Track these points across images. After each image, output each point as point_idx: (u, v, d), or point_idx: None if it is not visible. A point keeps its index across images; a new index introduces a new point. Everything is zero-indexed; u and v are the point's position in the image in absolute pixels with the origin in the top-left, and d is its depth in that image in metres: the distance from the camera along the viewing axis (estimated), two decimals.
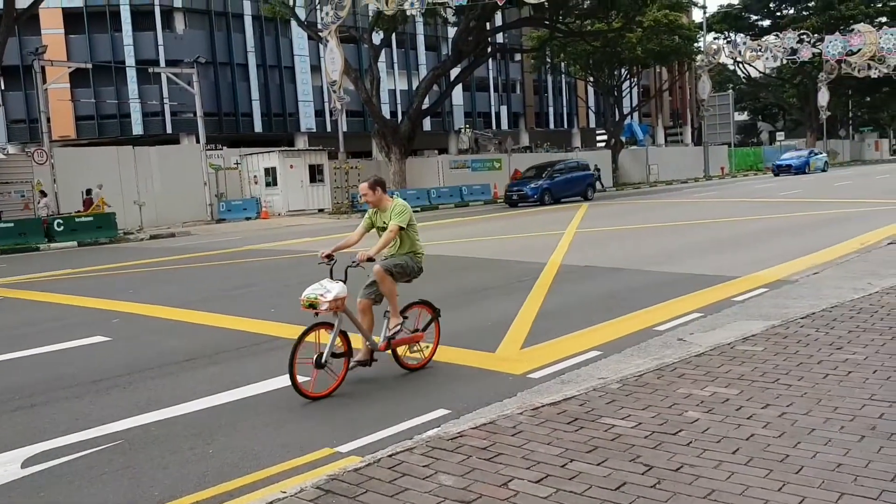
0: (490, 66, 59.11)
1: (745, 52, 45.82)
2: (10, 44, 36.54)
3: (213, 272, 14.72)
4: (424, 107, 36.72)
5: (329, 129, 45.54)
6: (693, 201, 27.34)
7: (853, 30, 42.22)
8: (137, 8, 41.67)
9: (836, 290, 8.95)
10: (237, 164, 31.72)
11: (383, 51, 51.56)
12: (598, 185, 35.07)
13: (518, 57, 57.64)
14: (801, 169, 44.23)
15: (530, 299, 9.49)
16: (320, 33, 29.75)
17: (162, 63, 39.13)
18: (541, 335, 7.57)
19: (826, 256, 11.98)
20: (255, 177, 31.18)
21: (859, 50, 40.72)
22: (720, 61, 49.91)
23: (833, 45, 40.74)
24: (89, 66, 30.61)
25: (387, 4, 26.81)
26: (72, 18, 41.13)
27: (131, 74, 41.15)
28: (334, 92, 29.06)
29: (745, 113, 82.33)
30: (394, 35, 51.19)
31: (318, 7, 30.29)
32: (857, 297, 8.03)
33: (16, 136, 40.34)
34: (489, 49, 39.18)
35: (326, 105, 40.21)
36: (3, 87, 38.53)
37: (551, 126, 63.85)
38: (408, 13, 27.10)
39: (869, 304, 7.60)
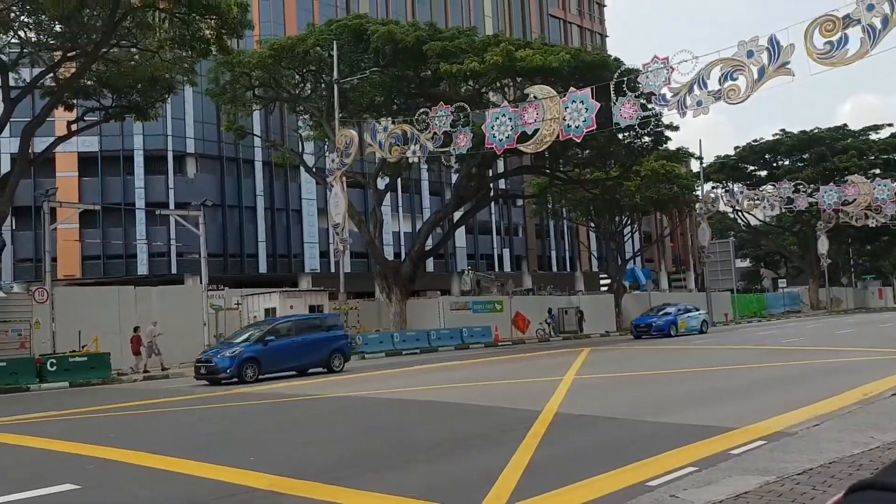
0: (492, 210, 60.47)
1: (743, 200, 46.88)
2: (24, 185, 37.84)
3: (197, 416, 14.35)
4: (427, 249, 37.34)
5: (333, 269, 45.98)
6: (694, 348, 27.04)
7: (847, 181, 43.39)
8: (150, 153, 43.26)
9: (837, 443, 8.58)
10: (238, 304, 31.78)
11: (388, 194, 53.17)
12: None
13: (520, 201, 59.15)
14: (665, 330, 34.21)
15: (520, 450, 9.11)
16: (326, 179, 30.62)
17: (171, 206, 40.12)
18: (528, 490, 7.19)
19: (827, 407, 11.62)
20: (254, 317, 31.12)
21: (854, 200, 41.64)
22: (719, 209, 50.92)
23: (828, 196, 41.70)
24: (98, 207, 31.32)
25: (390, 153, 27.71)
26: (86, 162, 42.64)
27: (140, 216, 42.13)
28: (337, 234, 29.54)
29: (748, 260, 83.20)
30: (399, 180, 53.03)
31: (325, 154, 31.44)
32: (858, 453, 7.67)
33: (22, 274, 40.79)
34: (490, 194, 40.18)
35: (331, 247, 40.89)
36: (13, 227, 39.37)
37: (554, 269, 64.46)
38: (410, 161, 27.93)
39: (869, 461, 7.24)
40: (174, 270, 42.11)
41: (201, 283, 30.37)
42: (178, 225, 36.04)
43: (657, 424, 10.70)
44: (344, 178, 31.04)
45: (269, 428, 12.47)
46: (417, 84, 32.79)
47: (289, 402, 15.56)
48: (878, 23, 17.89)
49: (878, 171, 51.80)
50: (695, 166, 53.22)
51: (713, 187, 58.21)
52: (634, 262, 61.63)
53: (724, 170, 63.29)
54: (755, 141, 63.92)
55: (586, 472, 7.85)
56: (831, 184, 44.36)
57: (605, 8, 79.54)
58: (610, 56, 32.65)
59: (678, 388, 15.12)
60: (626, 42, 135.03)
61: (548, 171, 38.42)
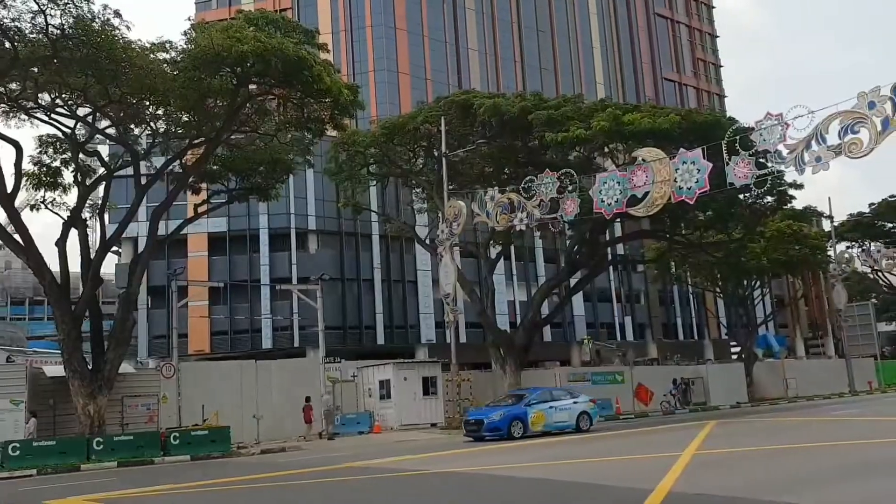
0: (611, 277, 59.12)
1: (881, 259, 43.75)
2: (159, 266, 40.37)
3: (301, 492, 14.36)
4: (542, 317, 36.72)
5: (448, 340, 46.06)
6: (831, 419, 24.94)
7: None
8: (275, 231, 45.31)
9: None
10: (354, 376, 32.16)
11: (502, 263, 53.05)
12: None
13: (640, 268, 57.58)
14: (502, 430, 23.40)
15: None
16: (436, 249, 30.89)
17: (294, 280, 41.57)
18: None
19: None
20: (369, 389, 31.36)
21: None
22: (855, 270, 47.70)
23: None
24: (221, 284, 32.78)
25: (498, 221, 27.68)
26: (215, 242, 45.11)
27: (265, 292, 43.89)
28: (447, 304, 29.55)
29: (894, 323, 76.99)
30: (512, 248, 52.90)
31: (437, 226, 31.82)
32: None
33: (155, 350, 43.11)
34: (605, 260, 39.28)
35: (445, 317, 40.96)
36: (149, 305, 41.88)
37: (680, 337, 61.93)
38: (518, 228, 27.79)
39: None
40: (296, 343, 43.33)
41: (320, 355, 31.04)
42: (299, 300, 37.21)
43: None
44: (454, 249, 31.24)
45: None
46: (526, 153, 32.89)
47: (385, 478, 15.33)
48: None
49: None
50: (826, 225, 50.32)
51: (847, 247, 54.75)
52: (766, 328, 58.29)
53: (859, 228, 59.33)
54: (892, 196, 59.82)
55: None
56: None
57: (721, 69, 78.00)
58: (723, 116, 31.73)
59: (806, 463, 13.83)
60: (744, 103, 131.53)
61: (666, 234, 37.26)
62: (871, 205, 61.96)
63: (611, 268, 58.52)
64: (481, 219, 28.65)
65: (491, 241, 36.76)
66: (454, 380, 28.78)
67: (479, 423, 23.85)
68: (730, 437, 19.93)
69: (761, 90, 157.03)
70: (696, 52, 75.25)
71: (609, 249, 54.79)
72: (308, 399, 29.05)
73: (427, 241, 37.36)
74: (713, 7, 79.29)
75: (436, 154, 33.29)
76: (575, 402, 25.47)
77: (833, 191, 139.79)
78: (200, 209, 28.65)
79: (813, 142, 19.88)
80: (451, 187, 31.14)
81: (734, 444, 17.84)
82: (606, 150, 31.04)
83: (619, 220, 38.36)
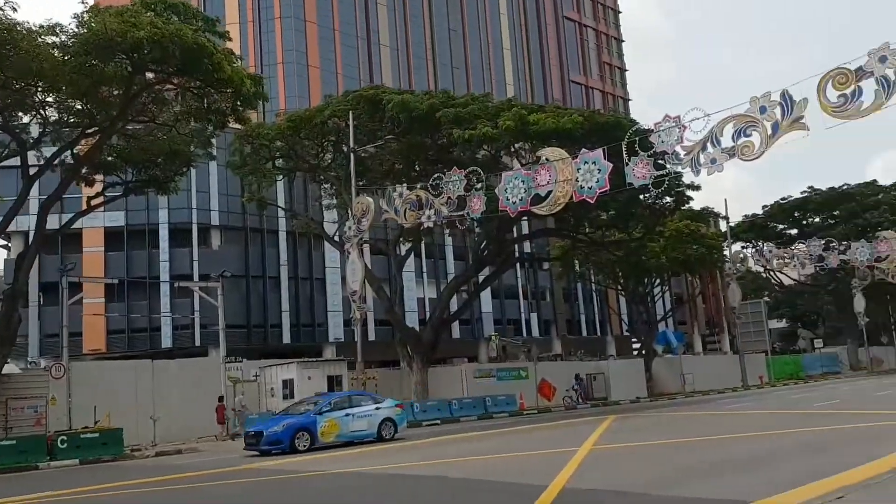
0: (518, 274, 59.95)
1: (773, 259, 45.85)
2: (52, 261, 38.44)
3: (188, 495, 13.87)
4: (450, 315, 36.94)
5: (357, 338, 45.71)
6: (723, 413, 25.96)
7: (879, 237, 42.28)
8: (176, 226, 43.74)
9: None
10: (256, 376, 31.39)
11: (413, 260, 52.92)
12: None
13: (547, 265, 58.52)
14: (284, 443, 20.61)
15: None
16: (344, 246, 30.51)
17: (196, 278, 40.23)
18: None
19: (856, 477, 10.78)
20: (272, 389, 30.69)
21: (888, 256, 40.48)
22: (749, 269, 49.88)
23: (860, 253, 40.61)
24: (116, 281, 31.48)
25: (406, 218, 27.55)
26: (113, 237, 43.12)
27: (165, 289, 42.35)
28: (354, 302, 29.24)
29: (784, 320, 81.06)
30: (423, 246, 52.88)
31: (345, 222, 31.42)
32: None
33: (47, 349, 40.91)
34: (513, 257, 39.71)
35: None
36: (41, 303, 39.75)
37: (584, 333, 63.30)
38: (425, 225, 27.75)
39: None
40: (198, 342, 42.01)
41: (221, 354, 30.18)
42: (200, 298, 36.10)
43: (666, 499, 9.98)
44: (362, 246, 30.93)
45: None
46: (435, 151, 32.88)
47: (286, 480, 15.00)
48: (891, 74, 17.46)
49: None
50: (722, 226, 52.44)
51: (742, 247, 57.23)
52: (666, 325, 60.31)
53: (753, 229, 62.30)
54: (783, 199, 63.05)
55: None
56: (862, 240, 43.25)
57: (626, 72, 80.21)
58: (625, 117, 32.56)
59: (696, 456, 14.28)
60: (648, 106, 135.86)
61: (570, 233, 37.99)
62: (764, 207, 65.18)
63: (518, 265, 59.40)
64: (389, 216, 28.43)
65: (400, 239, 36.62)
66: (359, 378, 28.47)
67: (259, 435, 21.00)
68: (627, 433, 20.42)
69: (665, 94, 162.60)
70: (602, 55, 77.07)
71: (516, 247, 55.82)
72: (221, 399, 28.50)
73: (335, 238, 36.87)
74: (619, 12, 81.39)
75: (345, 149, 32.88)
76: (378, 409, 22.78)
77: (730, 193, 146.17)
78: (94, 202, 27.39)
79: (708, 144, 20.53)
80: (360, 183, 30.84)
81: (630, 440, 18.26)
82: (513, 149, 31.37)
83: (525, 218, 38.97)
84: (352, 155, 30.04)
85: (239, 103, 25.01)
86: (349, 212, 30.10)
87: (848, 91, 18.13)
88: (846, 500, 9.08)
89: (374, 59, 58.08)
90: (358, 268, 29.18)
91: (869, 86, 17.85)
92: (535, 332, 59.85)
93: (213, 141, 29.30)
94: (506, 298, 58.90)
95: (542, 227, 38.75)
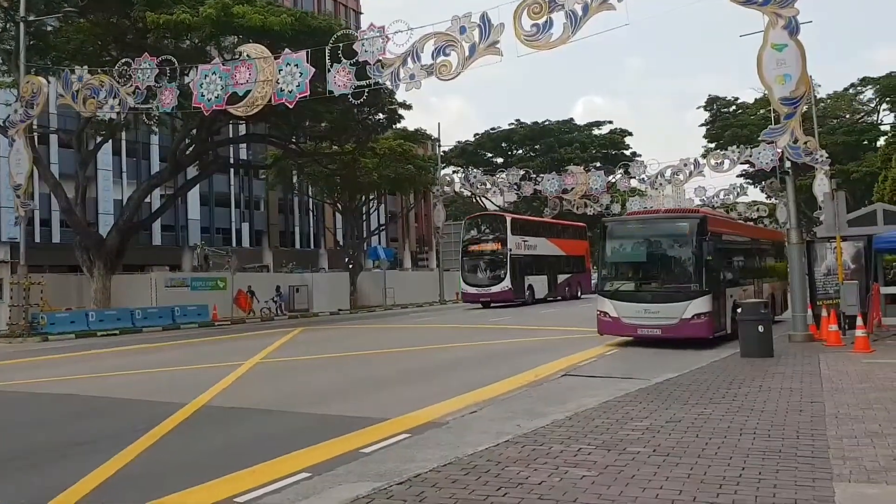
0: (232, 182, 57.30)
1: (477, 184, 48.13)
2: None
3: None
4: (141, 220, 33.90)
5: (39, 238, 40.68)
6: (408, 326, 26.80)
7: (567, 170, 46.08)
8: None
9: (481, 435, 7.97)
10: None
11: (112, 158, 48.01)
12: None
13: (264, 174, 56.40)
14: None
15: (119, 457, 7.50)
16: (8, 133, 26.32)
17: None
18: None
19: (497, 390, 11.27)
20: None
21: (573, 189, 44.30)
22: (455, 192, 51.98)
23: (550, 183, 43.90)
24: None
25: (84, 106, 24.32)
26: None
27: None
28: (18, 197, 25.54)
29: None
30: (124, 142, 48.05)
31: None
32: (484, 448, 6.99)
33: None
34: (218, 162, 37.27)
35: (37, 212, 35.56)
36: None
37: (297, 246, 62.56)
38: (105, 117, 24.80)
39: (486, 460, 6.54)
40: None
41: None
42: None
43: (308, 416, 9.60)
44: (33, 134, 27.01)
45: None
46: (135, 34, 29.23)
47: None
48: (579, 9, 18.23)
49: (597, 164, 55.83)
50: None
51: (454, 171, 59.57)
52: (379, 241, 61.51)
53: (465, 155, 65.10)
54: (493, 129, 66.47)
55: (178, 484, 6.47)
56: (553, 173, 46.89)
57: None
58: (339, 23, 31.42)
59: (362, 371, 14.23)
60: (382, 21, 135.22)
61: (277, 140, 36.38)
62: (475, 135, 68.26)
63: (232, 172, 56.57)
64: (66, 101, 24.93)
65: (86, 130, 32.48)
66: (21, 283, 25.06)
67: None
68: (305, 345, 20.07)
69: (400, 15, 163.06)
70: None
71: (231, 152, 52.89)
72: None
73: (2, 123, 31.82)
74: None
75: (17, 19, 28.08)
76: None
77: (456, 120, 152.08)
78: None
79: (409, 59, 20.28)
80: (40, 62, 26.64)
81: (303, 352, 17.92)
82: (223, 44, 28.79)
83: (242, 121, 36.59)
84: (21, 25, 25.68)
85: None
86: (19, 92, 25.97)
87: (541, 21, 18.67)
88: (477, 415, 9.29)
89: None
90: (24, 158, 25.47)
91: (559, 18, 18.51)
92: (246, 242, 57.91)
93: None
94: (216, 206, 56.09)
95: (251, 133, 36.70)
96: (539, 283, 39.56)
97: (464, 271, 38.47)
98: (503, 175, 47.50)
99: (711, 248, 16.06)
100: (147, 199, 43.36)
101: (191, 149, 32.08)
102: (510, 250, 36.77)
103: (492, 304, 37.61)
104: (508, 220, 38.40)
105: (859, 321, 14.08)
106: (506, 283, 36.48)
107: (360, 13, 77.93)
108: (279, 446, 7.80)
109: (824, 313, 16.24)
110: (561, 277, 42.01)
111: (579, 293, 42.70)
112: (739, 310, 14.11)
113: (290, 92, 21.27)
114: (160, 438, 8.39)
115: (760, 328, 13.43)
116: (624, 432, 7.47)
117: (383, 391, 11.68)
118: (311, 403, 10.48)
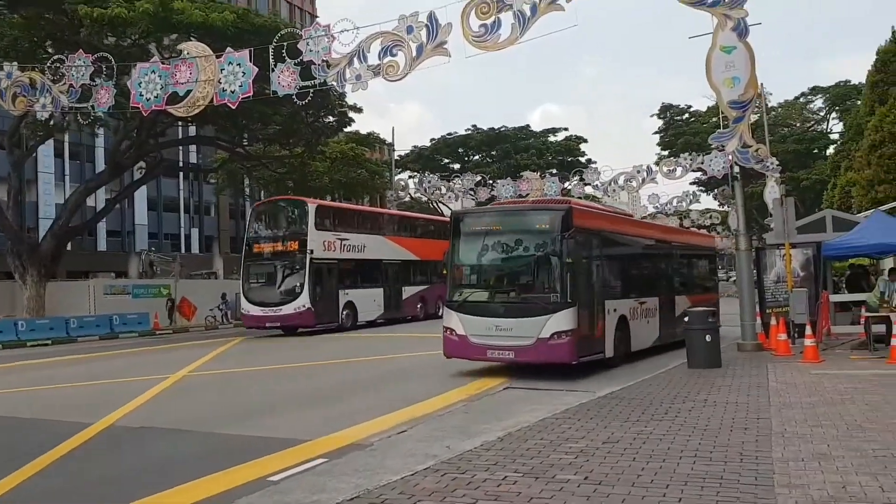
0: (181, 186, 55.95)
1: (432, 189, 47.55)
2: None
3: None
4: (81, 224, 32.59)
5: None
6: (366, 336, 25.96)
7: (522, 176, 45.76)
8: None
9: (405, 458, 7.30)
10: None
11: (53, 161, 46.43)
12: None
13: (214, 178, 55.11)
14: None
15: None
16: None
17: None
18: None
19: (433, 405, 10.63)
20: None
21: (528, 194, 43.93)
22: (412, 196, 51.37)
23: (506, 189, 43.47)
24: None
25: (14, 105, 23.10)
26: None
27: None
28: None
29: None
30: (66, 144, 46.50)
31: None
32: (399, 479, 6.32)
33: None
34: (163, 165, 35.98)
35: None
36: None
37: None
38: (41, 117, 23.60)
39: (399, 493, 5.88)
40: None
41: None
42: None
43: (223, 438, 8.86)
44: None
45: None
46: (70, 31, 28.03)
47: None
48: (527, 10, 17.71)
49: (553, 171, 55.63)
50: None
51: (410, 176, 58.93)
52: None
53: (421, 160, 64.52)
54: (449, 135, 66.02)
55: None
56: (508, 178, 46.54)
57: None
58: (284, 22, 30.58)
59: (297, 384, 13.49)
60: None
61: (225, 142, 35.34)
62: (432, 140, 67.74)
63: (181, 176, 55.16)
64: None
65: (22, 131, 31.06)
66: None
67: None
68: (242, 355, 19.17)
69: (355, 17, 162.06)
70: None
71: (180, 155, 51.49)
72: None
73: None
74: None
75: None
76: None
77: (413, 125, 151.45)
78: None
79: (355, 59, 19.55)
80: None
81: (238, 364, 17.05)
82: (164, 41, 27.73)
83: (191, 123, 35.39)
84: None
85: None
86: None
87: (489, 21, 18.08)
88: (406, 434, 8.64)
89: None
90: None
91: (507, 19, 17.95)
92: (196, 248, 56.58)
93: None
94: (165, 211, 54.71)
95: (195, 135, 35.60)
96: (366, 300, 27.72)
97: (245, 283, 26.79)
98: (459, 180, 47.03)
99: (580, 247, 13.24)
100: (91, 203, 42.24)
101: (132, 150, 30.89)
102: (311, 252, 24.82)
103: (298, 331, 25.95)
104: (312, 207, 26.05)
105: (808, 330, 13.74)
106: (302, 301, 24.64)
107: (316, 16, 77.06)
108: (178, 474, 7.05)
109: (773, 322, 15.94)
110: (410, 291, 30.61)
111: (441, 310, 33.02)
112: (687, 318, 13.64)
113: (233, 92, 20.30)
114: (40, 470, 7.48)
115: (708, 338, 13.01)
116: (557, 455, 6.88)
117: (316, 408, 10.93)
118: (230, 422, 9.73)
